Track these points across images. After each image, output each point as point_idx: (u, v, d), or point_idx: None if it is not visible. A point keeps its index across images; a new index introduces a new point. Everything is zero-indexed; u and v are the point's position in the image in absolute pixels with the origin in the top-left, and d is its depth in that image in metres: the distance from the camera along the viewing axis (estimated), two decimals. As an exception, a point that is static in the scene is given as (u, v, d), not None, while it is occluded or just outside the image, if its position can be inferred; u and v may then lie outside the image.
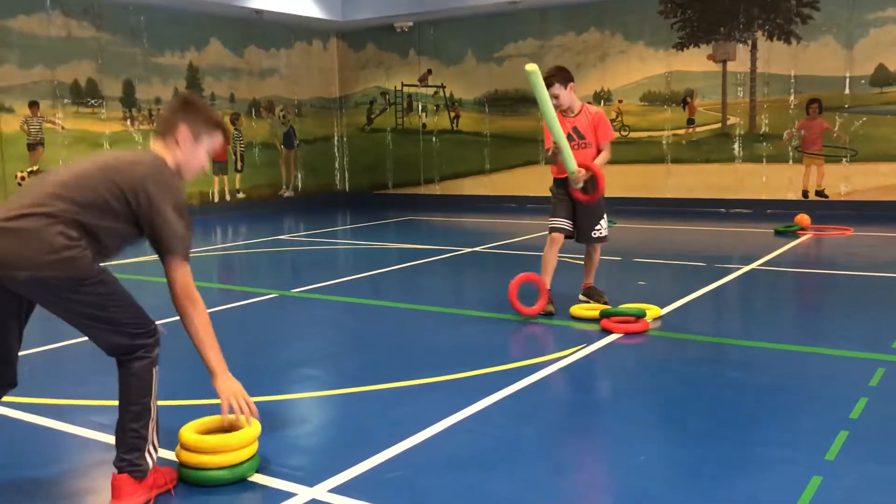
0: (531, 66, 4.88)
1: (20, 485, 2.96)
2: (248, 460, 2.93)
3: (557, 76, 5.39)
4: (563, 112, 5.48)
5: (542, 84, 4.96)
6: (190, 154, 2.85)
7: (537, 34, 13.81)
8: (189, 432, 2.92)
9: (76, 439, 3.39)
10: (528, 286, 5.54)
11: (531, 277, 5.47)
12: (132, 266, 7.91)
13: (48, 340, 4.90)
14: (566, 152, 5.15)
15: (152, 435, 2.76)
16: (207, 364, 2.84)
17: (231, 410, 2.88)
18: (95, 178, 2.64)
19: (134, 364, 2.71)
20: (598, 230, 5.61)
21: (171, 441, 3.24)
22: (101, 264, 2.69)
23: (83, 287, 2.58)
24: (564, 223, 5.55)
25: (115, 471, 2.72)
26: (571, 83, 5.45)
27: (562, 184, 5.50)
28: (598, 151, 5.50)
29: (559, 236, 5.54)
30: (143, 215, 2.69)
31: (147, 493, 2.75)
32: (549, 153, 5.31)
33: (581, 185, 5.32)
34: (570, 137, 5.39)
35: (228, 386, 2.88)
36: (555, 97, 5.33)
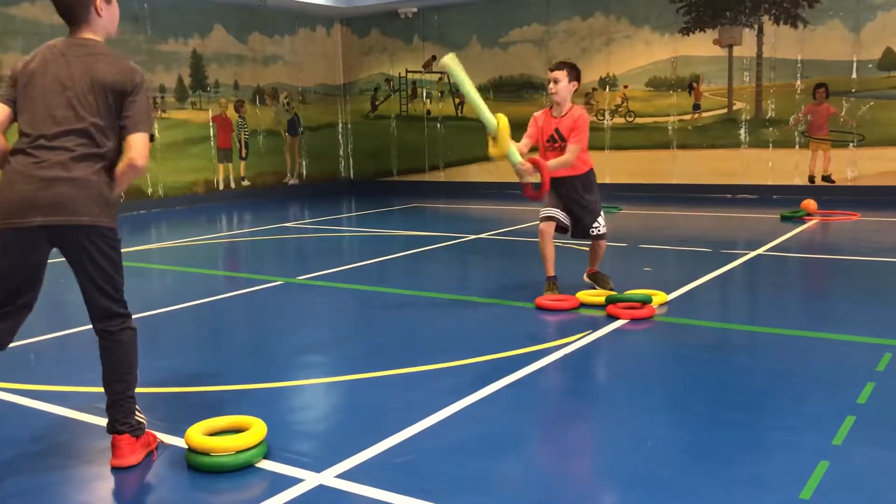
0: (447, 58, 4.74)
1: (26, 470, 2.97)
2: (255, 446, 2.94)
3: (567, 66, 5.40)
4: (551, 108, 5.46)
5: (461, 70, 4.80)
6: (111, 16, 2.97)
7: (542, 19, 13.74)
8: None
9: (82, 425, 3.40)
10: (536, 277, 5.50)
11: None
12: (137, 254, 7.92)
13: (54, 328, 4.92)
14: (503, 139, 4.87)
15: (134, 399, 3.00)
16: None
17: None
18: (89, 99, 2.78)
19: (122, 335, 2.91)
20: (597, 227, 5.52)
21: (170, 428, 3.25)
22: None
23: (113, 241, 2.84)
24: (553, 212, 5.48)
25: (115, 434, 2.92)
26: (576, 83, 5.42)
27: (552, 184, 5.33)
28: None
29: (548, 225, 5.44)
30: (119, 107, 2.83)
31: (143, 451, 2.98)
32: (519, 172, 5.10)
33: (526, 179, 5.11)
34: (551, 139, 5.39)
35: None
36: (555, 81, 5.33)
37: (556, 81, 5.35)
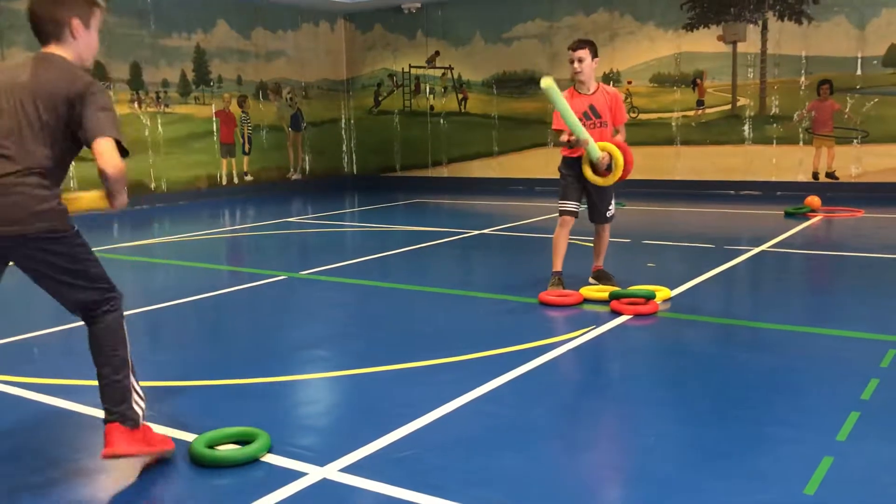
0: (546, 82, 4.80)
1: (31, 464, 2.97)
2: (259, 440, 2.94)
3: (587, 44, 5.39)
4: (576, 87, 5.44)
5: (559, 94, 4.90)
6: (88, 42, 2.83)
7: (546, 15, 13.71)
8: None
9: (83, 418, 3.40)
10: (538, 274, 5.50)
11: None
12: (140, 249, 7.93)
13: (59, 321, 4.92)
14: (591, 144, 5.10)
15: (134, 384, 2.87)
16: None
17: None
18: (31, 111, 2.65)
19: (106, 317, 2.83)
20: (610, 209, 5.62)
21: (171, 421, 3.26)
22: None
23: (66, 239, 2.70)
24: (573, 206, 5.53)
25: (107, 423, 2.81)
26: (597, 58, 5.43)
27: (572, 164, 5.46)
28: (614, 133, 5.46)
29: (570, 219, 5.53)
30: (76, 117, 2.67)
31: (139, 447, 2.82)
32: (566, 140, 5.24)
33: (606, 166, 5.24)
34: (585, 116, 5.36)
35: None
36: (579, 60, 5.32)
37: (580, 60, 5.33)
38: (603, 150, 5.17)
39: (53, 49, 2.77)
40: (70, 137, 2.72)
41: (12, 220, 2.61)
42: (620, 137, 5.43)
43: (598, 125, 5.38)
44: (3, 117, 2.67)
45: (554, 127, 5.36)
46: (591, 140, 5.10)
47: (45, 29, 2.76)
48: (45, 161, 2.68)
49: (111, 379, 2.82)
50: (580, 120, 5.36)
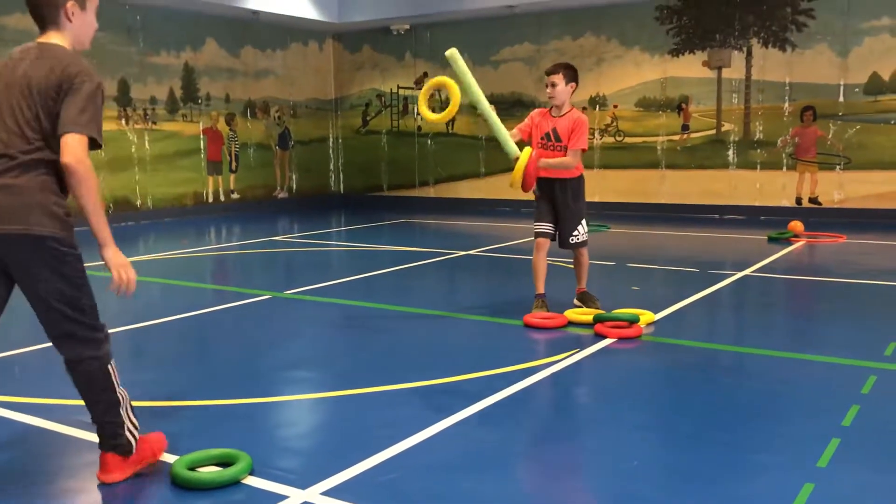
0: (450, 52, 4.77)
1: (8, 485, 2.94)
2: (240, 462, 2.93)
3: (562, 68, 5.38)
4: (551, 110, 5.48)
5: (464, 66, 4.84)
6: (84, 24, 2.82)
7: (533, 38, 13.83)
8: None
9: (65, 438, 3.37)
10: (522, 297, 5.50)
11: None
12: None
13: (38, 340, 4.87)
14: (508, 144, 4.99)
15: (127, 418, 2.88)
16: (98, 234, 2.70)
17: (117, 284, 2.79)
18: (32, 107, 2.63)
19: (83, 368, 2.76)
20: (576, 235, 5.55)
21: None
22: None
23: (68, 257, 2.67)
24: (547, 227, 5.53)
25: (101, 450, 2.87)
26: (574, 84, 5.42)
27: (542, 185, 5.45)
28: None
29: (544, 241, 5.52)
30: (65, 102, 2.62)
31: (133, 468, 2.91)
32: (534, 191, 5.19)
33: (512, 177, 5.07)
34: (546, 137, 5.40)
35: (118, 258, 2.77)
36: (552, 85, 5.34)
37: (553, 85, 5.35)
38: (515, 156, 5.03)
39: (50, 35, 2.77)
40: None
41: (12, 218, 2.59)
42: (565, 159, 5.32)
43: (556, 148, 5.39)
44: (4, 115, 2.66)
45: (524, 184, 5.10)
46: (507, 139, 5.00)
47: (40, 13, 2.76)
48: (43, 156, 2.64)
49: (101, 420, 2.84)
50: (540, 140, 5.42)
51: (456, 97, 4.88)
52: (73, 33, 2.79)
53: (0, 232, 2.61)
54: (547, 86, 5.41)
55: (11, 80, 2.69)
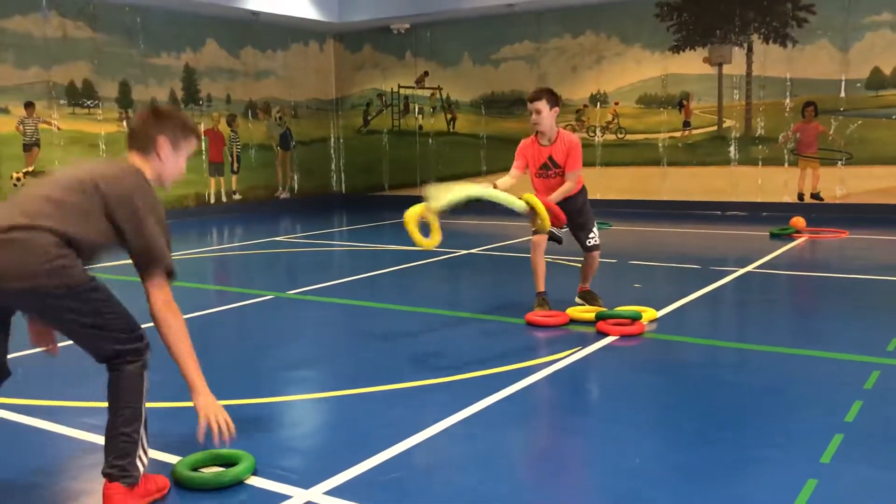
0: (434, 206, 4.87)
1: (12, 486, 2.95)
2: (243, 463, 2.93)
3: (545, 94, 5.40)
4: (537, 137, 5.48)
5: (453, 196, 4.94)
6: (172, 164, 2.86)
7: (533, 37, 13.82)
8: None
9: (69, 441, 3.37)
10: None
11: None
12: (126, 268, 7.89)
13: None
14: (506, 200, 4.97)
15: (143, 440, 2.73)
16: (189, 378, 2.78)
17: (209, 429, 2.79)
18: (80, 192, 2.62)
19: (125, 368, 2.70)
20: (592, 238, 5.62)
21: (161, 443, 3.24)
22: (90, 271, 2.68)
23: (79, 294, 2.59)
24: None
25: (106, 479, 2.66)
26: (556, 108, 5.44)
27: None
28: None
29: (539, 238, 5.52)
30: (126, 230, 2.66)
31: (139, 500, 2.72)
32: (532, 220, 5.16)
33: (539, 223, 5.03)
34: (545, 167, 5.46)
35: (209, 402, 2.81)
36: (537, 112, 5.36)
37: (537, 112, 5.38)
38: (527, 201, 5.00)
39: (134, 159, 2.78)
40: (111, 231, 2.67)
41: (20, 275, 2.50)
42: (567, 185, 5.37)
43: (554, 175, 5.46)
44: (59, 190, 2.63)
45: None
46: (512, 200, 4.97)
47: (133, 138, 2.81)
48: (73, 232, 2.58)
49: (119, 430, 2.68)
50: (539, 171, 5.47)
51: (437, 232, 5.06)
52: (156, 169, 2.81)
53: (6, 289, 2.52)
54: (531, 113, 5.42)
55: (89, 178, 2.66)
